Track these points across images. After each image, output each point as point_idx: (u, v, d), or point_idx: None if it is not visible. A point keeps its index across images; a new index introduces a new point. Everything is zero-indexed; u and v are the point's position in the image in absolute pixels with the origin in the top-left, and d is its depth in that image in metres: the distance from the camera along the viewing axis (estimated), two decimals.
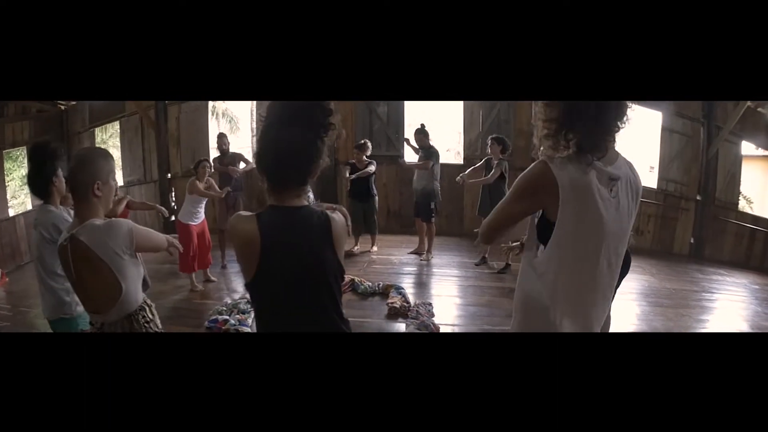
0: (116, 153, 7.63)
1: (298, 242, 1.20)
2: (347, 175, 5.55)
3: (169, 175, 7.07)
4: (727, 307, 4.52)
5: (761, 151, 6.96)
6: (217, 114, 11.91)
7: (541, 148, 1.28)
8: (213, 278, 4.78)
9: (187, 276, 4.54)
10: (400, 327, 3.75)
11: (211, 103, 7.61)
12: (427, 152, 5.38)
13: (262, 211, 1.22)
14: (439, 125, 9.61)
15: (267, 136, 1.20)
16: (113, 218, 1.59)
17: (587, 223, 1.22)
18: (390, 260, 5.59)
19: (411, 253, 5.76)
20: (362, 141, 5.66)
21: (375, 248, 5.90)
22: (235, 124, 12.48)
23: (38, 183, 2.17)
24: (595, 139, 1.22)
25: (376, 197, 5.74)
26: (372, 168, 5.50)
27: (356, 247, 5.80)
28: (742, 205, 7.44)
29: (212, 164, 5.21)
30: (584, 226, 1.23)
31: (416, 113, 7.70)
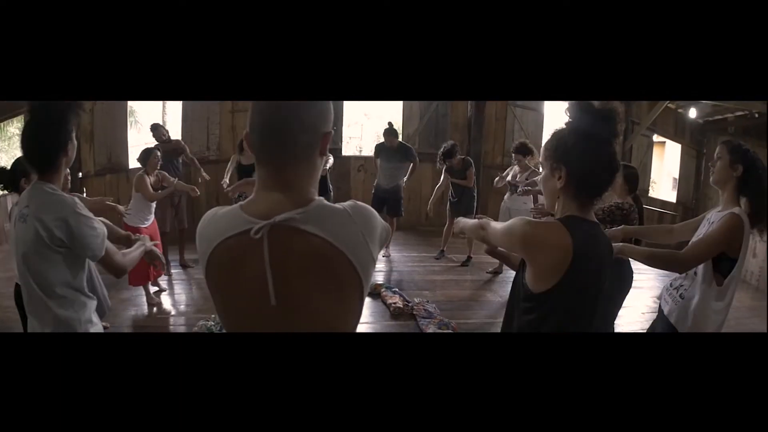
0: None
1: (602, 259, 1.24)
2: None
3: (81, 174, 6.22)
4: (654, 287, 4.75)
5: (657, 137, 7.65)
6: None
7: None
8: (164, 287, 4.30)
9: (135, 288, 3.91)
10: (419, 327, 3.55)
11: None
12: (409, 152, 5.33)
13: (564, 221, 1.20)
14: (380, 120, 9.56)
15: (590, 151, 1.18)
16: (351, 201, 0.88)
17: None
18: None
19: None
20: None
21: None
22: (135, 119, 11.43)
23: (43, 148, 1.49)
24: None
25: (332, 194, 5.55)
26: (330, 161, 5.31)
27: None
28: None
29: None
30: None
31: (355, 109, 7.58)
